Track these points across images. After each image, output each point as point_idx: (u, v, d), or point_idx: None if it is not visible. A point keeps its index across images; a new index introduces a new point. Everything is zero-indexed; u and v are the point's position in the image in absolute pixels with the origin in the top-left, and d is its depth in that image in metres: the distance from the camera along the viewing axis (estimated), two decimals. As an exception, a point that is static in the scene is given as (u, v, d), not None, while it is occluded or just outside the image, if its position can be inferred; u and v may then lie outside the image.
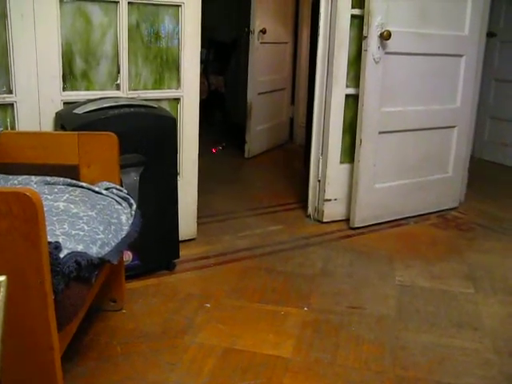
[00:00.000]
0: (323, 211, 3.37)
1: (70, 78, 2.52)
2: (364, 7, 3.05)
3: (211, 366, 1.92)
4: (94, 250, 1.63)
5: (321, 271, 2.74)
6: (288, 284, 2.59)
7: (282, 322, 2.24)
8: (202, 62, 3.20)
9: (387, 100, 3.22)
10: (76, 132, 2.11)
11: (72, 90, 2.53)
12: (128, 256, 2.44)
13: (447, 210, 3.68)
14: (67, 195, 1.87)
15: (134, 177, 2.40)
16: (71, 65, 2.51)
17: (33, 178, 2.00)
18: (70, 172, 2.06)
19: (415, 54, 3.27)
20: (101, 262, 1.67)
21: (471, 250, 3.08)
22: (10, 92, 2.38)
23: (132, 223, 1.97)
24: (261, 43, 4.92)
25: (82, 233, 1.65)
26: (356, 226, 3.30)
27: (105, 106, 2.36)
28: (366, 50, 3.06)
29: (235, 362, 1.95)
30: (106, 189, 2.04)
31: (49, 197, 1.83)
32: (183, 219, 2.76)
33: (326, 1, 3.14)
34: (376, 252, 2.99)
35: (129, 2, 2.56)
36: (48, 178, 2.00)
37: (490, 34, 4.59)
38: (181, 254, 2.70)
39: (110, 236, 1.77)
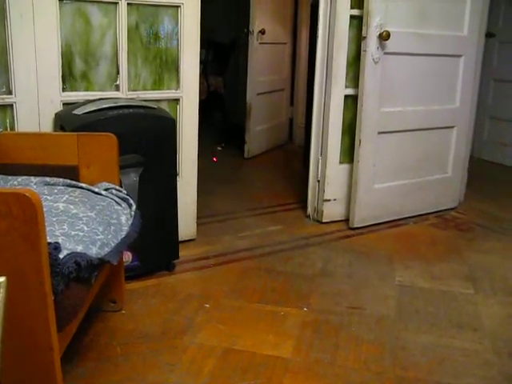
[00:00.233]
0: (323, 211, 3.38)
1: (69, 78, 2.52)
2: (363, 8, 3.05)
3: (211, 367, 1.92)
4: (94, 251, 1.63)
5: (320, 271, 2.74)
6: (288, 284, 2.59)
7: (281, 323, 2.24)
8: (201, 62, 3.20)
9: (386, 100, 3.22)
10: (75, 133, 2.11)
11: (71, 90, 2.54)
12: (128, 257, 2.44)
13: (446, 210, 3.68)
14: (67, 196, 1.87)
15: (133, 177, 2.41)
16: (71, 65, 2.51)
17: (32, 178, 2.00)
18: (70, 173, 2.06)
19: (414, 55, 3.27)
20: (100, 263, 1.67)
21: (471, 250, 3.08)
22: (10, 93, 2.38)
23: (131, 224, 1.97)
24: (260, 44, 4.92)
25: (81, 233, 1.65)
26: (355, 226, 3.30)
27: (104, 106, 2.36)
28: (365, 51, 3.06)
29: (235, 363, 1.95)
30: (106, 189, 2.04)
31: (48, 197, 1.83)
32: (183, 220, 2.76)
33: (325, 1, 3.14)
34: (375, 252, 2.99)
35: (128, 3, 2.56)
36: (47, 179, 2.00)
37: (489, 35, 4.59)
38: (180, 254, 2.70)
39: (109, 237, 1.77)
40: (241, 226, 3.31)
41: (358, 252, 2.99)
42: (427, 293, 2.55)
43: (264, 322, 2.24)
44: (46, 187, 1.95)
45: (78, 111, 2.33)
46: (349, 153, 3.33)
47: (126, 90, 2.65)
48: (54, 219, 1.67)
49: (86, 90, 2.57)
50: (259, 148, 5.22)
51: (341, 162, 3.35)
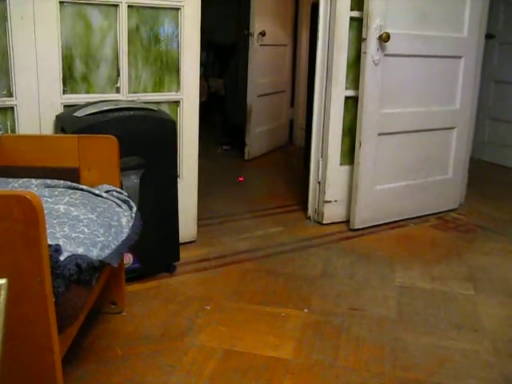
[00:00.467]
0: (323, 213, 3.38)
1: (70, 81, 2.52)
2: (363, 9, 3.05)
3: (211, 368, 1.93)
4: (95, 253, 1.64)
5: (321, 273, 2.74)
6: (288, 286, 2.59)
7: (282, 324, 2.24)
8: (201, 64, 3.21)
9: (387, 102, 3.22)
10: (76, 135, 2.12)
11: (72, 93, 2.54)
12: (128, 259, 2.44)
13: (447, 211, 3.68)
14: (67, 198, 1.87)
15: (134, 179, 2.41)
16: (71, 68, 2.51)
17: (33, 180, 2.01)
18: (71, 175, 2.07)
19: (414, 56, 3.27)
20: (101, 265, 1.67)
21: (471, 251, 3.08)
22: (11, 95, 2.38)
23: (132, 226, 1.98)
24: (260, 45, 4.93)
25: (82, 235, 1.65)
26: (356, 227, 3.31)
27: (105, 108, 2.37)
28: (365, 53, 3.07)
29: (235, 364, 1.95)
30: (107, 191, 2.05)
31: (49, 200, 1.84)
32: (183, 221, 2.76)
33: (325, 3, 3.15)
34: (376, 254, 2.99)
35: (128, 6, 2.57)
36: (48, 181, 2.01)
37: (489, 36, 4.59)
38: (181, 256, 2.70)
39: (110, 239, 1.77)
40: (241, 228, 3.31)
41: (358, 253, 2.99)
42: (427, 294, 2.55)
43: (265, 324, 2.24)
44: (46, 189, 1.95)
45: (79, 113, 2.34)
46: (349, 154, 3.33)
47: (126, 92, 2.65)
48: (55, 221, 1.67)
49: (87, 92, 2.58)
50: (260, 150, 5.22)
51: (341, 164, 3.35)
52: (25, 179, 2.01)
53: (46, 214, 1.39)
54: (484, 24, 3.69)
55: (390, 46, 3.10)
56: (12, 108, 2.39)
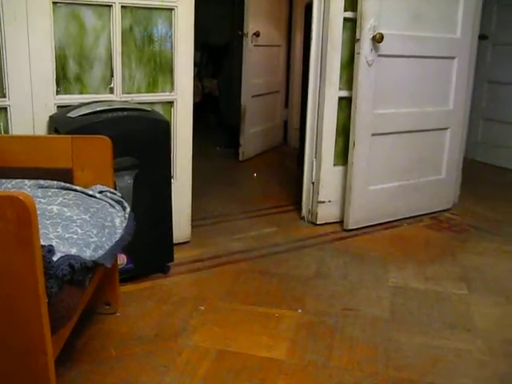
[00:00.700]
0: (317, 213, 3.38)
1: (63, 81, 2.52)
2: (357, 10, 3.06)
3: (205, 369, 1.93)
4: (88, 254, 1.63)
5: (315, 273, 2.74)
6: (282, 286, 2.59)
7: (276, 325, 2.24)
8: (195, 65, 3.21)
9: (380, 102, 3.23)
10: (70, 135, 2.12)
11: (66, 93, 2.54)
12: (122, 259, 2.44)
13: (440, 211, 3.69)
14: (61, 199, 1.87)
15: (127, 180, 2.41)
16: (65, 68, 2.51)
17: (26, 181, 2.00)
18: (64, 175, 2.07)
19: (408, 57, 3.28)
20: (94, 266, 1.67)
21: (464, 251, 3.09)
22: (4, 96, 2.38)
23: (126, 226, 1.97)
24: (254, 46, 4.93)
25: (75, 236, 1.65)
26: (350, 227, 3.31)
27: (98, 109, 2.36)
28: (358, 53, 3.08)
29: (229, 365, 1.96)
30: (100, 192, 2.04)
31: (42, 200, 1.84)
32: (177, 222, 2.76)
33: (319, 4, 3.15)
34: (370, 254, 3.00)
35: (122, 6, 2.57)
36: (42, 182, 2.01)
37: (482, 37, 4.61)
38: (175, 256, 2.70)
39: (103, 239, 1.77)
40: (235, 228, 3.32)
41: (352, 254, 2.99)
42: (421, 294, 2.56)
43: (258, 324, 2.24)
44: (39, 190, 1.95)
45: (72, 114, 2.33)
46: (343, 155, 3.34)
47: (120, 93, 2.65)
48: (48, 222, 1.67)
49: (80, 92, 2.58)
50: (254, 150, 5.23)
51: (335, 164, 3.36)
52: (18, 180, 2.01)
53: (39, 215, 1.39)
54: (477, 25, 3.70)
55: (384, 47, 3.11)
56: (5, 108, 2.39)
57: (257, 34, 4.91)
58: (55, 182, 2.01)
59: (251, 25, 4.83)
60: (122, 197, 2.10)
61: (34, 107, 2.44)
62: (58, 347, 1.56)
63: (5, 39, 2.32)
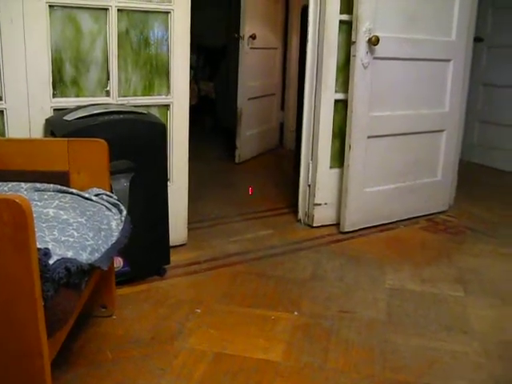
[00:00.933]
0: (313, 216, 3.39)
1: (59, 84, 2.52)
2: (352, 13, 3.07)
3: (202, 371, 1.93)
4: (84, 257, 1.63)
5: (311, 276, 2.75)
6: (278, 289, 2.59)
7: (272, 327, 2.24)
8: (191, 67, 3.21)
9: (376, 105, 3.24)
10: (66, 138, 2.11)
11: (62, 96, 2.54)
12: (118, 262, 2.44)
13: (437, 213, 3.70)
14: (57, 202, 1.87)
15: (124, 183, 2.41)
16: (61, 71, 2.51)
17: (23, 184, 2.00)
18: (60, 178, 2.06)
19: (403, 59, 3.29)
20: (91, 268, 1.67)
21: (461, 253, 3.10)
22: (0, 99, 2.38)
23: (122, 229, 1.97)
24: (250, 49, 4.94)
25: (71, 239, 1.65)
26: (346, 230, 3.32)
27: (95, 112, 2.36)
28: (354, 56, 3.08)
29: (226, 367, 1.96)
30: (96, 195, 2.04)
31: (38, 203, 1.83)
32: (174, 225, 2.76)
33: (315, 6, 3.16)
34: (366, 256, 3.00)
35: (118, 9, 2.57)
36: (38, 185, 2.00)
37: (478, 39, 4.64)
38: (171, 259, 2.70)
39: (99, 242, 1.77)
40: (232, 231, 3.32)
41: (348, 256, 3.00)
42: (417, 296, 2.56)
43: (255, 327, 2.24)
44: (36, 193, 1.95)
45: (69, 117, 2.33)
46: (339, 157, 3.34)
47: (116, 96, 2.65)
48: (44, 225, 1.67)
49: (77, 95, 2.58)
50: (250, 153, 5.23)
51: (331, 167, 3.36)
52: (14, 183, 2.01)
53: (36, 218, 1.39)
54: (472, 27, 3.72)
55: (380, 50, 3.12)
56: (2, 111, 2.39)
57: (253, 37, 4.91)
58: (51, 185, 2.01)
59: (247, 27, 4.84)
60: (118, 200, 2.10)
61: (30, 110, 2.44)
62: (55, 350, 1.56)
63: (1, 42, 2.31)
